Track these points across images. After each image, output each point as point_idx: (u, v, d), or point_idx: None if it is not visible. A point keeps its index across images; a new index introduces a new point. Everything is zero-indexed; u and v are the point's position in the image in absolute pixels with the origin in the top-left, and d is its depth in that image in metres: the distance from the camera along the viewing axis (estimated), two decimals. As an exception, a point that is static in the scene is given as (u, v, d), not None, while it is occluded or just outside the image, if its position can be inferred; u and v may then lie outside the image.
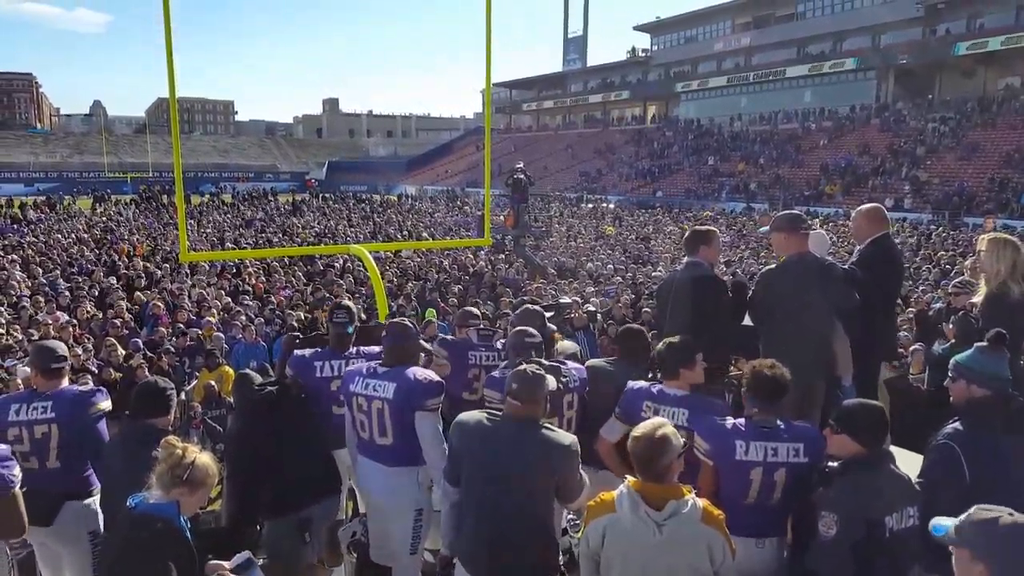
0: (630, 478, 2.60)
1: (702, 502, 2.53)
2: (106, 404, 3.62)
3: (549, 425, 2.96)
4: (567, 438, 2.92)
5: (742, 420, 3.01)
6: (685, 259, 4.35)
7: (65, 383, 3.66)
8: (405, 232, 23.26)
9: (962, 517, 1.95)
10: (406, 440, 3.42)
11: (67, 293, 11.77)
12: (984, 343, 3.01)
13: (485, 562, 2.96)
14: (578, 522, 4.10)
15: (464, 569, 3.04)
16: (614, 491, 2.61)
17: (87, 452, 3.57)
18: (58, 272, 14.15)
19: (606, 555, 2.61)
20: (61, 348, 3.71)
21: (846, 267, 4.23)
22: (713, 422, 3.02)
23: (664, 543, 2.45)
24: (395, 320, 3.77)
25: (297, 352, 4.08)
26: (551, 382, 3.03)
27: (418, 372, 3.50)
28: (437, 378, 3.54)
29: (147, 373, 7.14)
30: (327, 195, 44.29)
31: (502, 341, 4.41)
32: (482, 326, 4.49)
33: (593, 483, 3.57)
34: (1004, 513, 1.91)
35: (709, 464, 2.96)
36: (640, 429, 2.60)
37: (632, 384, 3.53)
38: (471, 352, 4.30)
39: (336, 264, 15.76)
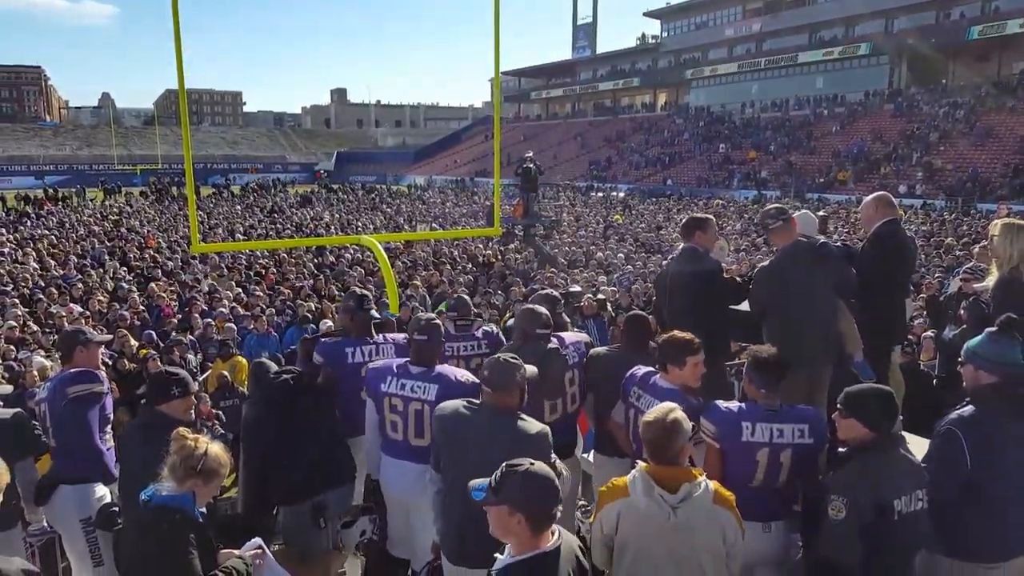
0: (641, 463, 2.62)
1: (713, 484, 2.55)
2: (90, 387, 3.61)
3: (523, 415, 2.96)
4: (534, 427, 2.90)
5: (749, 403, 3.03)
6: (680, 245, 4.39)
7: (74, 366, 3.71)
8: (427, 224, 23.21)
9: (496, 476, 2.13)
10: None
11: (80, 285, 11.86)
12: (994, 328, 3.00)
13: (458, 549, 2.98)
14: (590, 508, 4.12)
15: (445, 557, 3.06)
16: (627, 476, 2.63)
17: (76, 435, 3.59)
18: (71, 264, 14.27)
19: (620, 539, 2.63)
20: (63, 334, 3.83)
21: (838, 244, 4.32)
22: (718, 406, 3.04)
23: (678, 526, 2.48)
24: (430, 319, 3.63)
25: (324, 340, 4.09)
26: (530, 371, 3.02)
27: (457, 373, 3.51)
28: (475, 378, 3.52)
29: (159, 364, 7.19)
30: (335, 186, 44.41)
31: (484, 329, 4.42)
32: (459, 317, 4.39)
33: (610, 469, 3.60)
34: (526, 463, 2.13)
35: (716, 447, 2.98)
36: (652, 414, 2.62)
37: (636, 369, 3.55)
38: (448, 344, 4.21)
39: (346, 255, 15.80)
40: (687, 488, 2.49)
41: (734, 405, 3.04)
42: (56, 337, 8.12)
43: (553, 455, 2.94)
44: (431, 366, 3.48)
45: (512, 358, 2.99)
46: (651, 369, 3.50)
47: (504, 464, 2.15)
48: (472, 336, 4.33)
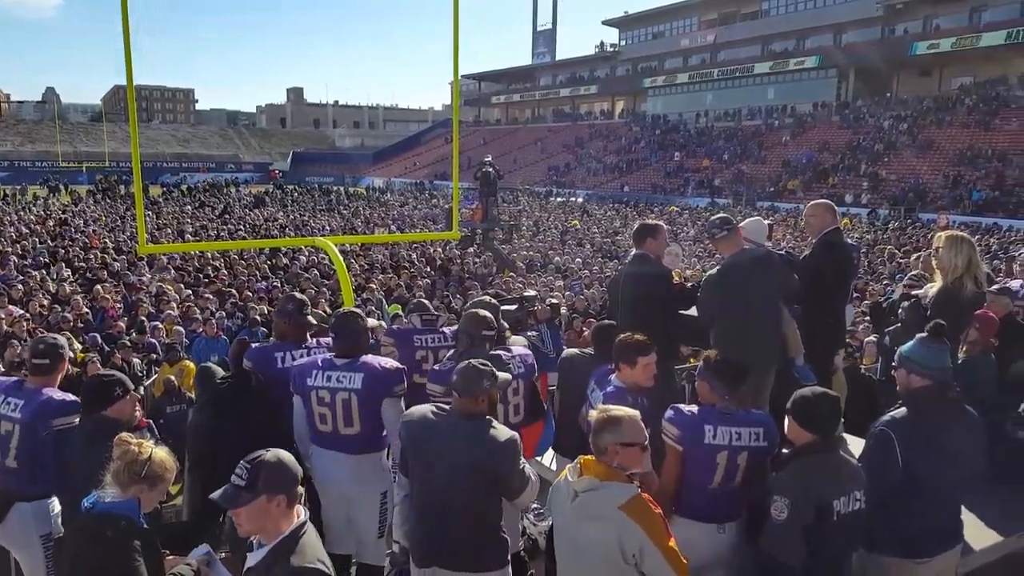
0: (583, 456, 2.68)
1: (639, 494, 2.51)
2: (73, 419, 3.40)
3: (493, 422, 2.96)
4: (504, 434, 2.90)
5: (707, 407, 3.08)
6: (632, 252, 4.48)
7: (52, 384, 3.51)
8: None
9: (242, 474, 2.23)
10: (372, 427, 3.47)
11: (20, 286, 11.42)
12: (925, 335, 3.13)
13: (425, 554, 2.99)
14: (541, 510, 4.14)
15: (412, 560, 3.07)
16: None
17: (51, 462, 3.40)
18: (11, 264, 13.73)
19: (552, 514, 2.81)
20: (52, 345, 3.56)
21: (782, 253, 4.48)
22: (680, 409, 3.08)
23: (574, 511, 2.54)
24: (345, 312, 3.74)
25: (254, 345, 4.04)
26: (502, 378, 3.05)
27: (381, 360, 3.55)
28: (399, 364, 3.60)
29: (99, 367, 6.97)
30: (289, 186, 43.75)
31: (450, 328, 4.53)
32: (424, 314, 4.60)
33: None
34: (262, 453, 2.29)
35: (678, 450, 3.01)
36: (601, 407, 2.70)
37: (604, 366, 3.64)
38: (416, 336, 4.42)
39: (300, 258, 15.58)
40: (594, 481, 2.51)
41: (695, 408, 3.08)
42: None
43: (523, 461, 2.96)
44: (355, 357, 3.51)
45: (483, 364, 2.99)
46: (605, 368, 3.59)
47: (243, 461, 2.25)
48: (438, 330, 4.48)
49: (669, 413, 3.08)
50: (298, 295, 4.36)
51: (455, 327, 4.63)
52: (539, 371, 4.22)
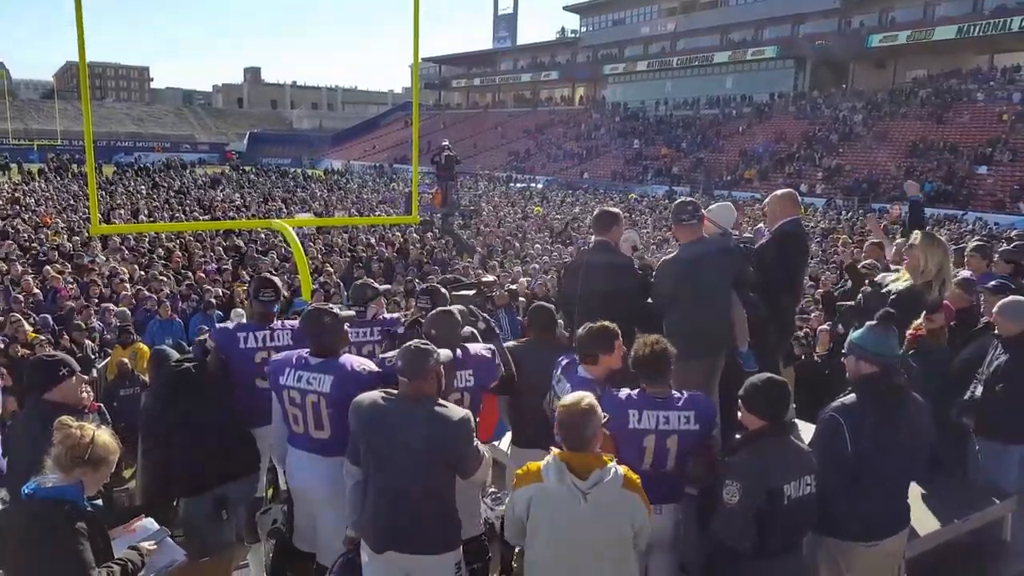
0: (555, 449, 2.67)
1: (623, 469, 2.61)
2: None
3: (442, 402, 2.96)
4: (457, 413, 2.91)
5: (636, 391, 3.11)
6: (593, 238, 4.50)
7: None
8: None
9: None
10: (344, 431, 3.29)
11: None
12: (874, 322, 3.21)
13: (383, 539, 2.96)
14: (499, 494, 4.19)
15: (366, 546, 3.04)
16: (541, 461, 2.68)
17: None
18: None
19: (532, 524, 2.67)
20: None
21: (737, 242, 4.53)
22: (609, 394, 3.11)
23: (590, 510, 2.54)
24: (311, 310, 3.58)
25: (220, 325, 4.00)
26: (443, 354, 3.03)
27: (355, 362, 3.40)
28: (375, 367, 3.44)
29: (46, 349, 6.80)
30: (246, 168, 42.87)
31: (384, 316, 4.48)
32: (353, 304, 4.49)
33: (522, 461, 3.65)
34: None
35: (607, 434, 3.01)
36: (567, 399, 2.69)
37: (563, 358, 3.57)
38: None
39: (258, 239, 15.34)
40: (598, 474, 2.55)
41: (623, 393, 3.11)
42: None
43: (476, 440, 2.96)
44: (331, 356, 3.37)
45: (424, 344, 2.96)
46: (569, 359, 3.53)
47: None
48: (366, 323, 4.34)
49: (600, 399, 3.07)
50: (270, 278, 4.27)
51: (392, 315, 4.61)
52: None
